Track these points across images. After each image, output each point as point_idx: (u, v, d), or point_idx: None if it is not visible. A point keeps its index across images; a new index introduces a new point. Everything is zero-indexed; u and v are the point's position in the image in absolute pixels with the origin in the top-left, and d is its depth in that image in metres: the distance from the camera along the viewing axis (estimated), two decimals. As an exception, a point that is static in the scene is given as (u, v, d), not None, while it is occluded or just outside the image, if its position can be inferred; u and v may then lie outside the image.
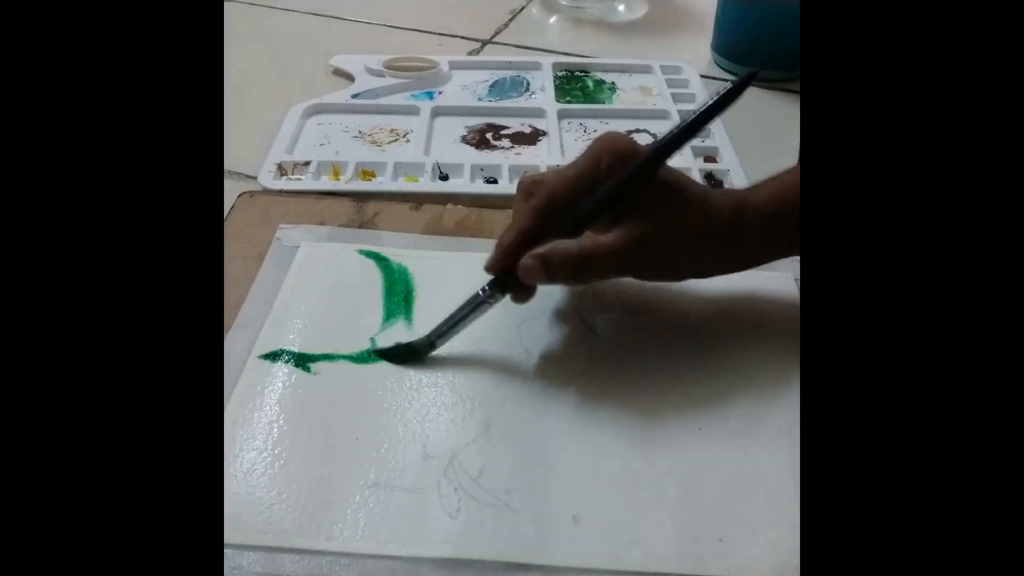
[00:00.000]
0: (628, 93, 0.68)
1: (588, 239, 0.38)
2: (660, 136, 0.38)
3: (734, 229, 0.38)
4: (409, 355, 0.40)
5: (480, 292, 0.39)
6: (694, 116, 0.37)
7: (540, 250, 0.37)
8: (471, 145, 0.60)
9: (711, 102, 0.37)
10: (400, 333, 0.42)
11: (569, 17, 0.83)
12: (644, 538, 0.33)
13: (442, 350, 0.41)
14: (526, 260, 0.37)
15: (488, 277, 0.39)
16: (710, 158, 0.58)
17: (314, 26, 0.79)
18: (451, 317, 0.40)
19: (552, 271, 0.37)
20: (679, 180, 0.38)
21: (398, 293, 0.44)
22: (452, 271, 0.46)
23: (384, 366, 0.40)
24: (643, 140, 0.61)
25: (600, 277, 0.39)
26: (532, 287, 0.39)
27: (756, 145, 0.59)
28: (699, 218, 0.38)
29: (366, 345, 0.41)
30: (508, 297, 0.39)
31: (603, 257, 0.37)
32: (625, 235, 0.37)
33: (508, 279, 0.38)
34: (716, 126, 0.61)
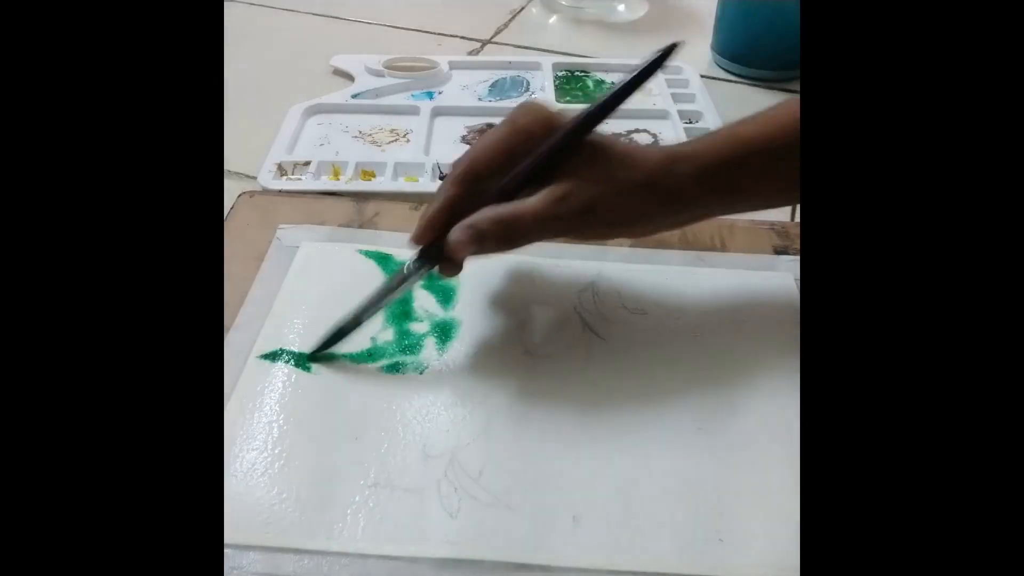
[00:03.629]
0: (628, 93, 0.67)
1: (517, 202, 0.37)
2: (589, 105, 0.38)
3: (664, 178, 0.38)
4: (339, 336, 0.40)
5: (406, 267, 0.39)
6: (621, 85, 0.37)
7: (468, 219, 0.37)
8: (471, 145, 0.60)
9: (641, 67, 0.37)
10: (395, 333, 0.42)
11: (569, 17, 0.83)
12: (644, 538, 0.33)
13: (443, 350, 0.41)
14: (455, 232, 0.37)
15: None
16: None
17: (314, 26, 0.79)
18: (378, 292, 0.40)
19: (483, 236, 0.36)
20: (602, 139, 0.38)
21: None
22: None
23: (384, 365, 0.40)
24: (643, 140, 0.61)
25: (531, 238, 0.38)
26: (459, 260, 0.38)
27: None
28: (625, 170, 0.37)
29: (367, 345, 0.41)
30: (436, 270, 0.39)
31: (532, 216, 0.36)
32: (553, 193, 0.36)
33: (434, 251, 0.38)
34: (715, 127, 0.61)
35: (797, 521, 0.25)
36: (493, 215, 0.37)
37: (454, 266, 0.39)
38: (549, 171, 0.37)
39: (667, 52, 0.36)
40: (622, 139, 0.40)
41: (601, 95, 0.37)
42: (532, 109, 0.38)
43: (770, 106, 0.40)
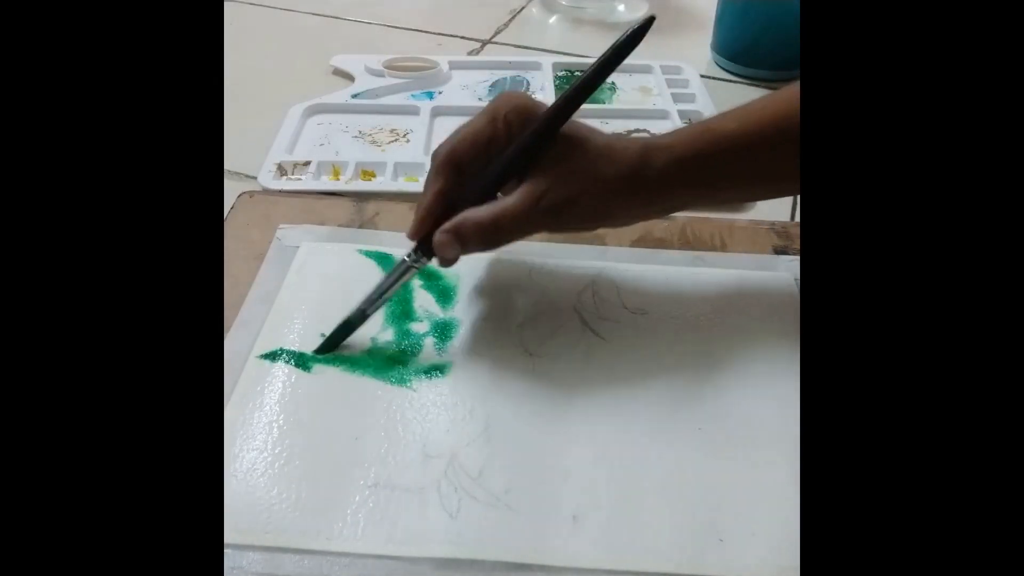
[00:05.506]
0: (628, 93, 0.68)
1: (497, 203, 0.38)
2: (563, 92, 0.38)
3: (641, 171, 0.38)
4: (345, 332, 0.41)
5: (405, 258, 0.40)
6: (593, 69, 0.37)
7: (452, 222, 0.38)
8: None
9: (609, 53, 0.37)
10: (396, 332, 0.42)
11: (569, 17, 0.83)
12: (644, 538, 0.33)
13: (442, 350, 0.41)
14: (439, 236, 0.38)
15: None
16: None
17: (314, 26, 0.79)
18: (380, 285, 0.40)
19: (466, 240, 0.38)
20: (580, 131, 0.38)
21: (399, 293, 0.44)
22: (451, 270, 0.46)
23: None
24: (643, 140, 0.61)
25: (514, 238, 0.39)
26: (448, 259, 0.39)
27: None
28: (604, 163, 0.38)
29: (367, 345, 0.41)
30: (435, 261, 0.39)
31: (513, 218, 0.37)
32: (531, 191, 0.37)
33: (430, 244, 0.39)
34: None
35: (797, 521, 0.25)
36: (475, 221, 0.37)
37: (447, 261, 0.39)
38: (528, 163, 0.38)
39: (640, 31, 0.36)
40: (602, 127, 0.40)
41: (575, 81, 0.38)
42: (510, 97, 0.39)
43: (747, 102, 0.40)
